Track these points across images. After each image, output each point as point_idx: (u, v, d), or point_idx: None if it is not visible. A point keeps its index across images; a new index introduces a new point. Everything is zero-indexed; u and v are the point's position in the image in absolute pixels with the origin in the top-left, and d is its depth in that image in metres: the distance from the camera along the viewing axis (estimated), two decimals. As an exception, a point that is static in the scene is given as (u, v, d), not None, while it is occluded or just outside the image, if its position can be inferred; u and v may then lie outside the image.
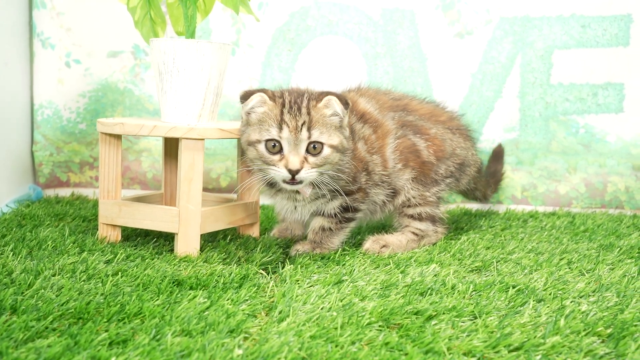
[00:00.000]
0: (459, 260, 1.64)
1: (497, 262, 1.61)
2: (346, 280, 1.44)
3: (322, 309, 1.25)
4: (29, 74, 2.34)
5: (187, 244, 1.63)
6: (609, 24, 2.28)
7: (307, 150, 1.55)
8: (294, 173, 1.53)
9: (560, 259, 1.65)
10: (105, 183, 1.74)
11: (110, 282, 1.36)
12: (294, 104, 1.56)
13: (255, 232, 1.87)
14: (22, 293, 1.27)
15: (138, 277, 1.40)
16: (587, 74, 2.31)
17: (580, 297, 1.35)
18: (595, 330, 1.17)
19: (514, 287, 1.40)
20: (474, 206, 2.37)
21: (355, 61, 2.36)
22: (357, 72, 2.35)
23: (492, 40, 2.33)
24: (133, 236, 1.80)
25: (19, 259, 1.49)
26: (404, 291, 1.37)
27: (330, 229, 1.73)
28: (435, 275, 1.49)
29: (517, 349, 1.10)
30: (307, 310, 1.24)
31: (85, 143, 2.39)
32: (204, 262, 1.56)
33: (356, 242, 1.82)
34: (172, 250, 1.67)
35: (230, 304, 1.27)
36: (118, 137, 1.74)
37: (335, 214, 1.71)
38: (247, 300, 1.31)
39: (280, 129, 1.54)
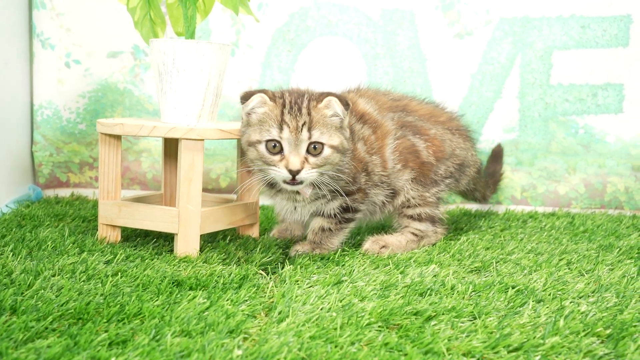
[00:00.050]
0: (458, 260, 1.64)
1: (496, 263, 1.61)
2: (346, 280, 1.44)
3: (321, 309, 1.25)
4: (28, 74, 2.35)
5: (187, 245, 1.63)
6: (609, 25, 2.28)
7: (308, 151, 1.55)
8: (294, 173, 1.53)
9: (560, 260, 1.65)
10: (105, 183, 1.74)
11: (110, 282, 1.36)
12: (295, 105, 1.56)
13: (254, 232, 1.88)
14: (22, 293, 1.27)
15: (138, 277, 1.40)
16: (587, 74, 2.31)
17: (580, 298, 1.36)
18: (595, 331, 1.17)
19: (513, 288, 1.40)
20: (473, 207, 2.38)
21: (354, 62, 2.36)
22: (357, 73, 2.35)
23: (491, 41, 2.33)
24: (133, 236, 1.80)
25: (18, 259, 1.50)
26: (404, 292, 1.37)
27: (329, 229, 1.73)
28: (434, 275, 1.49)
29: (516, 349, 1.10)
30: (306, 310, 1.24)
31: (85, 143, 2.39)
32: (203, 263, 1.56)
33: (356, 243, 1.82)
34: (171, 251, 1.67)
35: (229, 305, 1.27)
36: (118, 137, 1.74)
37: (335, 215, 1.72)
38: (246, 300, 1.31)
39: (281, 129, 1.54)
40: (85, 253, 1.58)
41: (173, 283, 1.39)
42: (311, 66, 2.36)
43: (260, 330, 1.17)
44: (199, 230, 1.64)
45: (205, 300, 1.29)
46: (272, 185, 1.67)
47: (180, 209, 1.63)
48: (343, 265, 1.59)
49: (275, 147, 1.55)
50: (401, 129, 1.78)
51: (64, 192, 2.40)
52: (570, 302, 1.32)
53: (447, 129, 1.87)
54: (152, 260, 1.57)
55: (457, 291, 1.38)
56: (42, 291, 1.28)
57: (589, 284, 1.45)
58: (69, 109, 2.36)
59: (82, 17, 2.33)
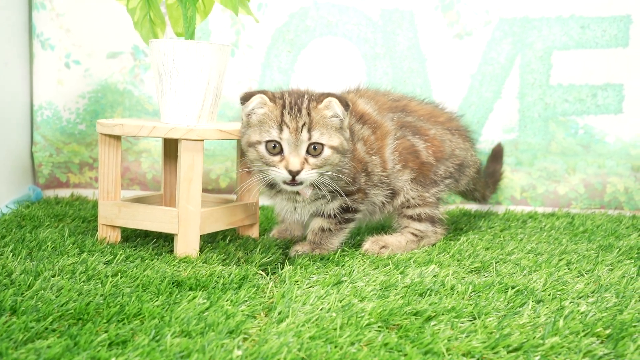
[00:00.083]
0: (458, 261, 1.64)
1: (496, 263, 1.61)
2: (345, 281, 1.44)
3: (321, 309, 1.25)
4: (28, 74, 2.35)
5: (187, 245, 1.63)
6: (608, 25, 2.28)
7: (308, 152, 1.55)
8: (294, 174, 1.53)
9: (560, 260, 1.65)
10: (105, 184, 1.74)
11: (110, 282, 1.36)
12: (295, 105, 1.56)
13: (254, 233, 1.88)
14: (22, 294, 1.27)
15: (138, 277, 1.41)
16: (587, 74, 2.31)
17: (580, 298, 1.36)
18: (594, 331, 1.17)
19: (513, 288, 1.40)
20: (473, 207, 2.38)
21: (354, 62, 2.36)
22: (357, 73, 2.36)
23: (491, 41, 2.33)
24: (132, 237, 1.80)
25: (18, 259, 1.50)
26: (403, 292, 1.37)
27: (329, 229, 1.73)
28: (434, 276, 1.49)
29: (516, 349, 1.10)
30: (306, 311, 1.24)
31: (84, 144, 2.39)
32: (203, 263, 1.56)
33: (355, 243, 1.82)
34: (171, 251, 1.67)
35: (229, 305, 1.27)
36: (117, 138, 1.74)
37: (335, 215, 1.72)
38: (246, 301, 1.31)
39: (281, 130, 1.54)
40: (85, 253, 1.58)
41: (173, 283, 1.39)
42: (311, 66, 2.36)
43: (260, 330, 1.17)
44: (198, 230, 1.64)
45: (205, 300, 1.29)
46: (272, 185, 1.67)
47: (180, 210, 1.63)
48: (343, 265, 1.59)
49: (275, 148, 1.55)
50: (401, 129, 1.78)
51: (64, 193, 2.40)
52: (570, 303, 1.32)
53: (446, 129, 1.87)
54: (152, 260, 1.57)
55: (457, 291, 1.38)
56: (42, 291, 1.28)
57: (588, 284, 1.45)
58: (69, 110, 2.36)
59: (82, 18, 2.33)
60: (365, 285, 1.41)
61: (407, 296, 1.33)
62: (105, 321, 1.16)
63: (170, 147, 1.89)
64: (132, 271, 1.45)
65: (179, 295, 1.32)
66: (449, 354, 1.07)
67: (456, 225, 2.07)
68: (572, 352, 1.09)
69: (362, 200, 1.73)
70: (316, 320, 1.20)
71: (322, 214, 1.73)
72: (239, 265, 1.57)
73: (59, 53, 2.33)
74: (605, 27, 2.29)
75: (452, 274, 1.51)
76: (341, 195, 1.65)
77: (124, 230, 1.83)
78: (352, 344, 1.10)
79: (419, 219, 1.80)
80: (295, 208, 1.72)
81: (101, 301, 1.24)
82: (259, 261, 1.60)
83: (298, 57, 2.36)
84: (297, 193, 1.66)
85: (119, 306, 1.22)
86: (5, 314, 1.17)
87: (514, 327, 1.18)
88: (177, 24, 1.84)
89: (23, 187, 2.30)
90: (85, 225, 1.89)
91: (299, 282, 1.44)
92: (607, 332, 1.17)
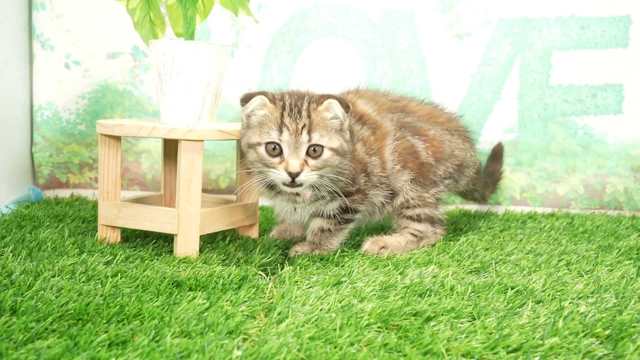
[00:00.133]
0: (457, 261, 1.64)
1: (495, 263, 1.61)
2: (345, 281, 1.44)
3: (321, 310, 1.25)
4: (28, 75, 2.35)
5: (187, 245, 1.63)
6: (608, 25, 2.29)
7: (307, 153, 1.55)
8: (293, 176, 1.53)
9: (559, 260, 1.65)
10: (105, 184, 1.74)
11: (110, 283, 1.36)
12: (294, 107, 1.56)
13: (254, 233, 1.88)
14: (22, 294, 1.27)
15: (137, 278, 1.41)
16: (586, 75, 2.31)
17: (579, 299, 1.36)
18: (594, 332, 1.17)
19: (512, 288, 1.40)
20: (472, 207, 2.38)
21: (354, 62, 2.36)
22: (356, 74, 2.36)
23: (491, 42, 2.33)
24: (132, 237, 1.80)
25: (18, 260, 1.50)
26: (403, 292, 1.37)
27: (329, 230, 1.73)
28: (434, 276, 1.49)
29: (515, 350, 1.10)
30: (306, 311, 1.24)
31: (84, 144, 2.39)
32: (203, 264, 1.56)
33: (355, 244, 1.82)
34: (171, 252, 1.67)
35: (229, 305, 1.27)
36: (117, 138, 1.74)
37: (334, 215, 1.72)
38: (246, 301, 1.31)
39: (281, 131, 1.54)
40: (85, 254, 1.58)
41: (173, 284, 1.39)
42: (311, 67, 2.36)
43: (260, 331, 1.17)
44: (198, 231, 1.64)
45: (205, 301, 1.29)
46: (272, 186, 1.67)
47: (179, 210, 1.63)
48: (342, 266, 1.59)
49: (275, 150, 1.55)
50: (400, 130, 1.78)
51: (64, 193, 2.40)
52: (570, 303, 1.32)
53: (446, 129, 1.87)
54: (152, 261, 1.57)
55: (457, 292, 1.38)
56: (42, 292, 1.28)
57: (588, 284, 1.45)
58: (69, 110, 2.37)
59: (81, 18, 2.34)
60: (365, 285, 1.41)
61: (407, 297, 1.33)
62: (105, 321, 1.16)
63: (170, 148, 1.89)
64: (132, 271, 1.45)
65: (178, 296, 1.32)
66: (448, 355, 1.08)
67: (456, 226, 2.07)
68: (571, 352, 1.09)
69: (362, 200, 1.73)
70: (316, 320, 1.20)
71: (322, 214, 1.73)
72: (238, 265, 1.57)
73: (58, 53, 2.34)
74: (604, 28, 2.29)
75: (451, 274, 1.51)
76: (340, 196, 1.65)
77: (123, 230, 1.83)
78: (352, 344, 1.10)
79: (418, 219, 1.80)
80: (295, 209, 1.72)
81: (101, 301, 1.24)
82: (259, 262, 1.60)
83: (298, 58, 2.36)
84: (297, 194, 1.66)
85: (118, 306, 1.22)
86: (5, 314, 1.17)
87: (513, 328, 1.18)
88: (177, 25, 1.84)
89: (23, 188, 2.30)
90: (85, 226, 1.89)
91: (298, 283, 1.44)
92: (607, 332, 1.17)
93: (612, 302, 1.33)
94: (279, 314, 1.23)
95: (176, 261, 1.57)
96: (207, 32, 2.36)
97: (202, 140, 1.63)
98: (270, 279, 1.50)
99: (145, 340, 1.08)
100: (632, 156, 2.30)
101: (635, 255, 1.71)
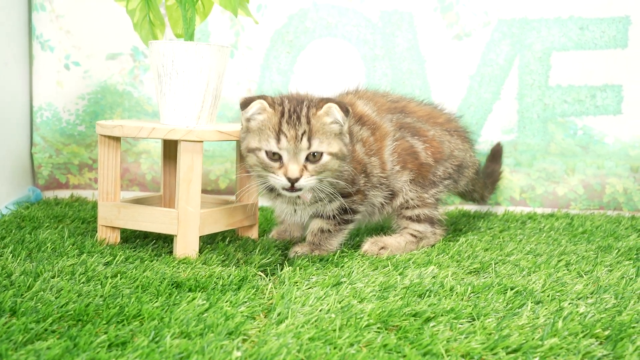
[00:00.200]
0: (457, 262, 1.64)
1: (495, 264, 1.61)
2: (345, 282, 1.44)
3: (320, 310, 1.25)
4: (28, 76, 2.35)
5: (186, 246, 1.63)
6: (607, 26, 2.29)
7: (307, 158, 1.55)
8: (293, 181, 1.53)
9: (559, 261, 1.65)
10: (105, 185, 1.74)
11: (110, 284, 1.36)
12: (294, 113, 1.55)
13: (254, 234, 1.88)
14: (22, 295, 1.27)
15: (137, 279, 1.41)
16: (586, 75, 2.31)
17: (579, 299, 1.36)
18: (593, 332, 1.17)
19: (512, 289, 1.40)
20: (472, 208, 2.38)
21: (353, 63, 2.36)
22: (356, 74, 2.36)
23: (490, 42, 2.33)
24: (132, 238, 1.80)
25: (18, 260, 1.50)
26: (403, 293, 1.37)
27: (329, 230, 1.73)
28: (433, 277, 1.49)
29: (515, 350, 1.10)
30: (305, 312, 1.24)
31: (84, 145, 2.39)
32: (202, 264, 1.56)
33: (355, 244, 1.82)
34: (171, 252, 1.67)
35: (229, 306, 1.27)
36: (117, 139, 1.75)
37: (334, 216, 1.72)
38: (245, 302, 1.31)
39: (279, 140, 1.53)
40: (85, 254, 1.58)
41: (172, 284, 1.39)
42: (310, 68, 2.36)
43: (260, 331, 1.17)
44: (198, 231, 1.64)
45: (205, 301, 1.29)
46: (272, 189, 1.67)
47: (179, 211, 1.63)
48: (342, 266, 1.59)
49: (275, 155, 1.55)
50: (400, 131, 1.79)
51: (64, 194, 2.40)
52: (569, 304, 1.32)
53: (445, 130, 1.87)
54: (152, 261, 1.57)
55: (456, 292, 1.38)
56: (42, 293, 1.28)
57: (587, 285, 1.45)
58: (69, 111, 2.37)
59: (81, 19, 2.34)
60: (365, 286, 1.41)
61: (406, 297, 1.33)
62: (104, 322, 1.16)
63: (170, 148, 1.89)
64: (131, 272, 1.45)
65: (178, 297, 1.32)
66: (448, 355, 1.08)
67: (455, 226, 2.07)
68: (571, 353, 1.09)
69: (361, 201, 1.73)
70: (315, 321, 1.20)
71: (322, 215, 1.73)
72: (238, 266, 1.57)
73: (58, 54, 2.34)
74: (604, 28, 2.29)
75: (451, 275, 1.51)
76: (339, 198, 1.65)
77: (123, 231, 1.83)
78: (352, 345, 1.10)
79: (418, 219, 1.80)
80: (295, 210, 1.72)
81: (101, 302, 1.24)
82: (259, 262, 1.60)
83: (297, 59, 2.36)
84: (298, 197, 1.66)
85: (118, 307, 1.22)
86: (5, 315, 1.17)
87: (513, 328, 1.18)
88: (177, 26, 1.84)
89: (23, 188, 2.30)
90: (85, 227, 1.89)
91: (298, 283, 1.44)
92: (606, 333, 1.17)
93: (612, 302, 1.33)
94: (278, 314, 1.24)
95: (176, 262, 1.57)
96: (207, 33, 2.36)
97: (202, 141, 1.63)
98: (269, 279, 1.50)
99: (144, 341, 1.08)
100: (631, 157, 2.31)
101: (635, 256, 1.72)
